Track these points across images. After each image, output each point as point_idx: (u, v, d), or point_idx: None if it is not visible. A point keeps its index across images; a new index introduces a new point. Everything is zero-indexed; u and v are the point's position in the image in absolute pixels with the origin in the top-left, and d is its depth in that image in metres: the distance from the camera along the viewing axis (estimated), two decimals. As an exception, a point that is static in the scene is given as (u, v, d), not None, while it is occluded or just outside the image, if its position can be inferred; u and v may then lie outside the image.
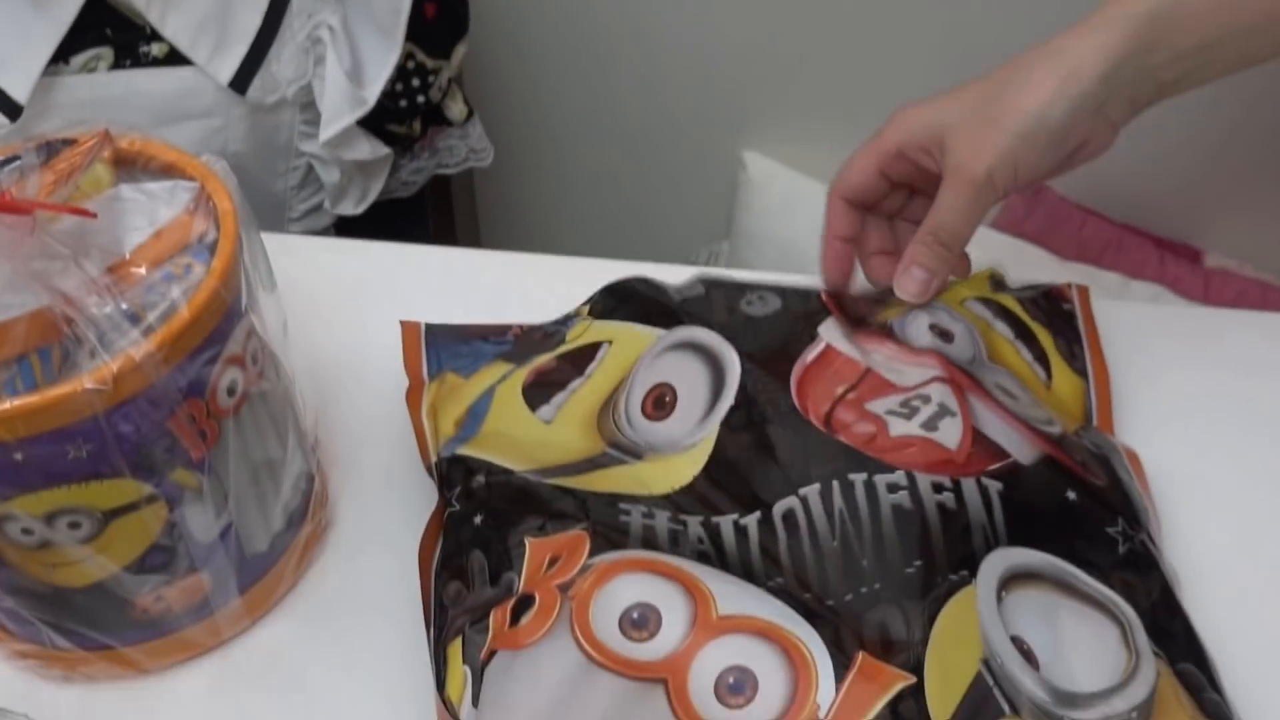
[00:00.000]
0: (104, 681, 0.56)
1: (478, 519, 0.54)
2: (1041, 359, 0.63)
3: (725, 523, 0.53)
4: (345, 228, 0.95)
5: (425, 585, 0.55)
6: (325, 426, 0.65)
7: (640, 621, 0.48)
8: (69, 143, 0.53)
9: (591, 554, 0.51)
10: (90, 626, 0.53)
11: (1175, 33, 0.58)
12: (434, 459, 0.58)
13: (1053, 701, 0.47)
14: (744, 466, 0.55)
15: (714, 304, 0.63)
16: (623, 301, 0.63)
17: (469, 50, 0.95)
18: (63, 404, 0.44)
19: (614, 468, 0.56)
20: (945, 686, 0.47)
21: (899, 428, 0.56)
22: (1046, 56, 0.58)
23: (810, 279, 0.66)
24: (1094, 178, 1.14)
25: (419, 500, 0.62)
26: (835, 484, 0.53)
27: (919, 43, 1.05)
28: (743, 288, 0.64)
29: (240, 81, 0.81)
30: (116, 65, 0.80)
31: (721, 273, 0.66)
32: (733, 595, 0.50)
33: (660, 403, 0.58)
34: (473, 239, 1.28)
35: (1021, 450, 0.56)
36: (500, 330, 0.64)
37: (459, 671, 0.49)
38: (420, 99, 0.90)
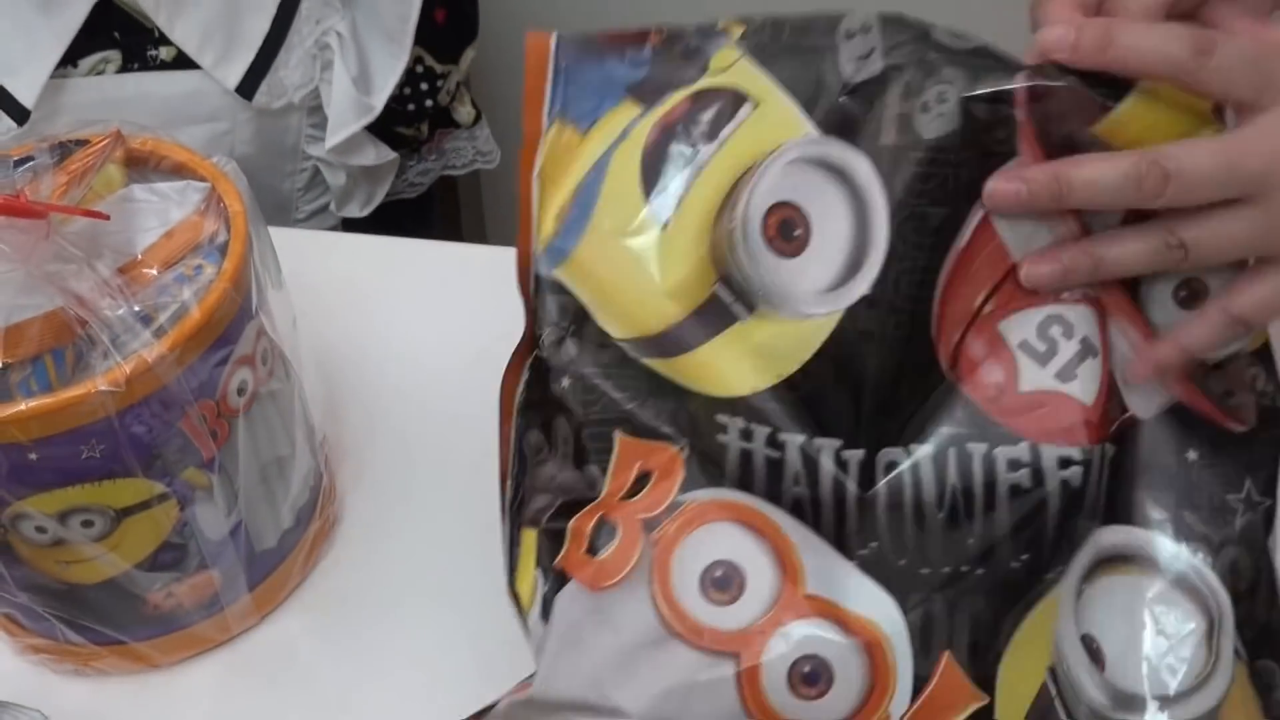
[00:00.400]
0: (115, 676, 0.57)
1: (565, 381, 0.50)
2: None
3: (826, 455, 0.49)
4: (351, 228, 0.96)
5: (505, 424, 0.52)
6: (333, 422, 0.66)
7: (723, 582, 0.47)
8: (82, 143, 0.54)
9: (684, 488, 0.48)
10: (102, 622, 0.54)
11: None
12: (531, 262, 0.51)
13: (1111, 705, 0.46)
14: (856, 379, 0.49)
15: (886, 103, 0.50)
16: (783, 49, 0.52)
17: (477, 53, 0.95)
18: (77, 405, 0.45)
19: (719, 335, 0.50)
20: (1011, 702, 0.46)
21: (1030, 377, 0.50)
22: None
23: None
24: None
25: (427, 495, 0.63)
26: (952, 452, 0.49)
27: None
28: (929, 70, 0.50)
29: (247, 87, 0.81)
30: (124, 68, 0.80)
31: (913, 25, 0.51)
32: (823, 571, 0.47)
33: (787, 231, 0.50)
34: (479, 240, 1.28)
35: (1146, 400, 0.50)
36: (639, 39, 0.53)
37: (530, 571, 0.48)
38: (428, 103, 0.90)
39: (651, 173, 0.51)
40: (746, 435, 0.49)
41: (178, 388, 0.48)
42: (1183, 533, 0.49)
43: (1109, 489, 0.49)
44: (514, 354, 0.52)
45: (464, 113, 0.96)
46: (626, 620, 0.46)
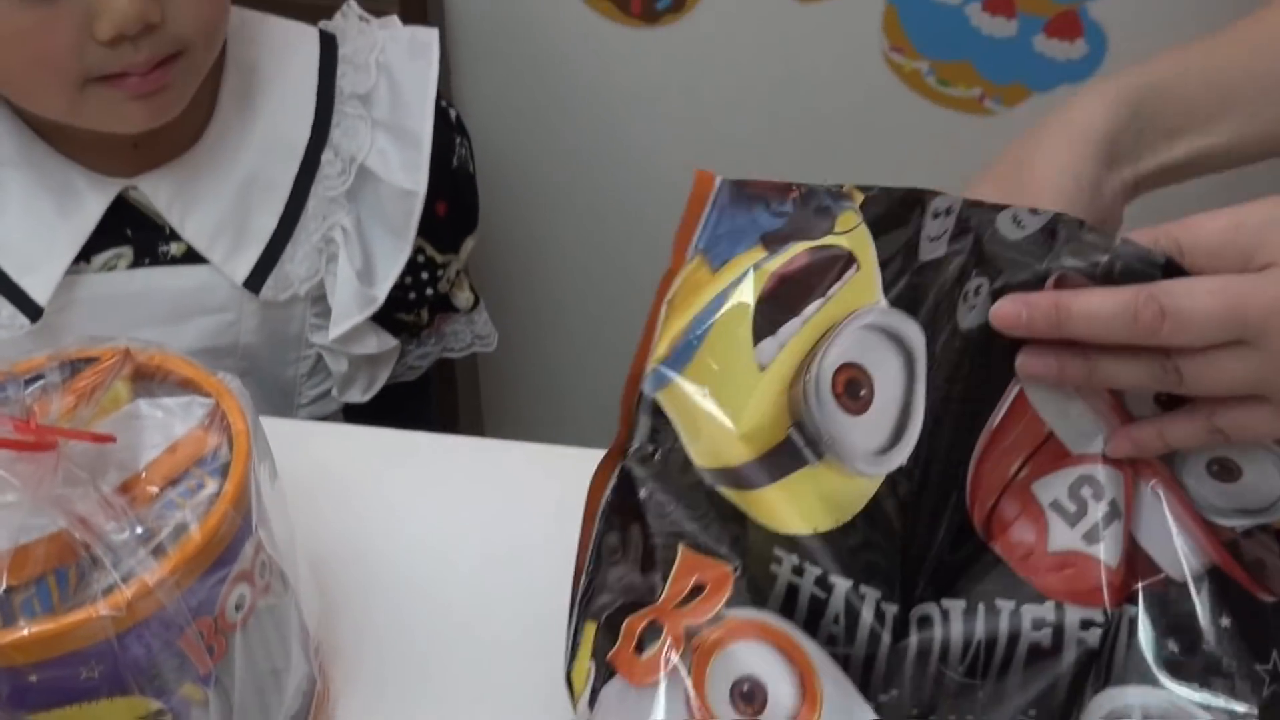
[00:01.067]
0: None
1: (644, 493, 0.54)
2: None
3: (868, 605, 0.51)
4: (352, 410, 0.98)
5: (589, 518, 0.55)
6: (327, 623, 0.66)
7: (749, 696, 0.50)
8: (90, 360, 0.56)
9: (730, 603, 0.51)
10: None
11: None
12: (640, 378, 0.56)
13: None
14: (898, 538, 0.53)
15: (939, 285, 0.54)
16: (886, 219, 0.56)
17: (477, 240, 0.99)
18: (78, 629, 0.46)
19: (790, 475, 0.54)
20: None
21: (1059, 537, 0.53)
22: (1054, 126, 0.62)
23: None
24: None
25: (420, 699, 0.63)
26: (981, 608, 0.52)
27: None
28: (979, 259, 0.53)
29: (254, 281, 0.84)
30: (136, 263, 0.83)
31: (988, 208, 0.54)
32: (842, 707, 0.50)
33: (854, 390, 0.54)
34: (475, 418, 1.30)
35: (1185, 563, 0.52)
36: (783, 191, 0.57)
37: (585, 661, 0.52)
38: (429, 291, 0.93)
39: (763, 318, 0.55)
40: (798, 571, 0.52)
41: (177, 608, 0.49)
42: (1207, 699, 0.50)
43: (1128, 650, 0.51)
44: (605, 458, 0.56)
45: (463, 298, 0.98)
46: (661, 716, 0.49)
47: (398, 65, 0.87)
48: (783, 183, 0.58)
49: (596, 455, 0.69)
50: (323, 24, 0.90)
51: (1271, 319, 0.48)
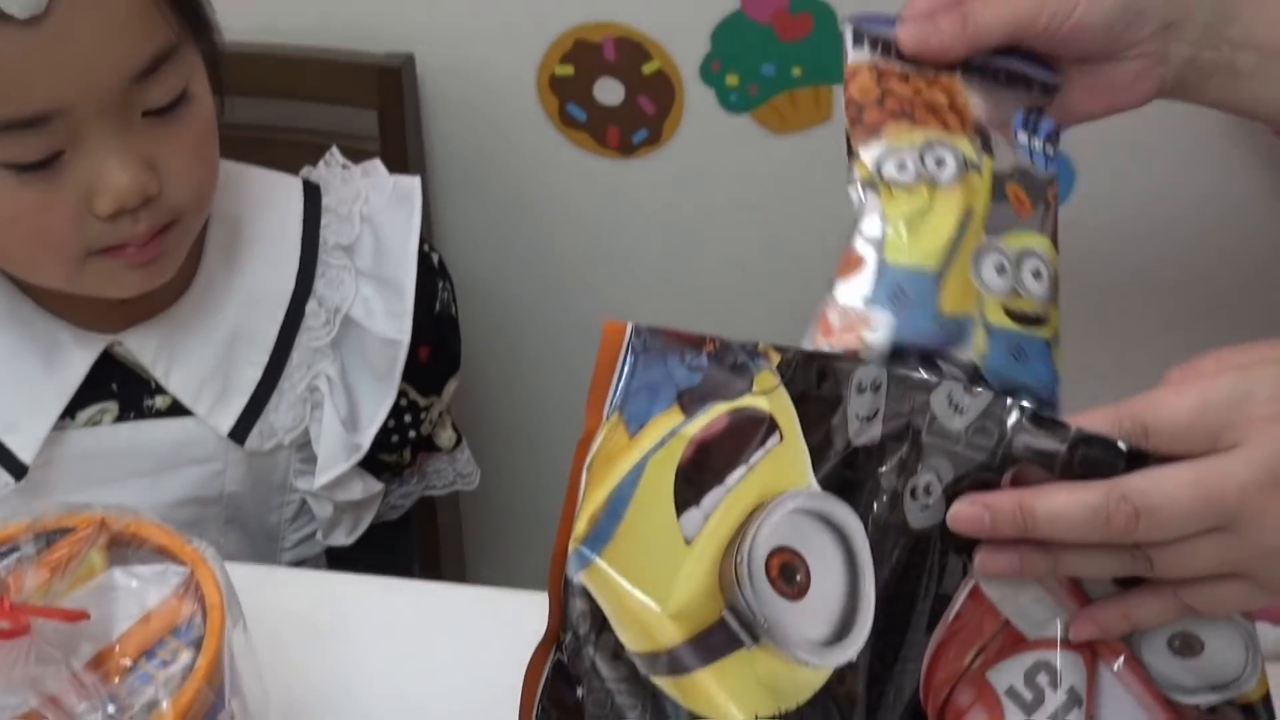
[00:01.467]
0: None
1: (580, 690, 0.53)
2: None
3: None
4: (334, 549, 0.98)
5: (525, 709, 0.55)
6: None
7: None
8: (65, 530, 0.57)
9: None
10: None
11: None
12: (564, 560, 0.55)
13: None
14: None
15: (881, 475, 0.53)
16: (808, 389, 0.55)
17: (459, 381, 1.00)
18: (46, 814, 0.46)
19: (725, 659, 0.52)
20: None
21: None
22: None
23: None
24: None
25: None
26: None
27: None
28: (921, 453, 0.52)
29: (239, 432, 0.85)
30: (120, 417, 0.84)
31: (917, 385, 0.53)
32: None
33: (788, 575, 0.53)
34: (458, 556, 1.30)
35: None
36: (697, 343, 0.56)
37: None
38: (412, 434, 0.94)
39: (685, 488, 0.54)
40: None
41: (147, 787, 0.49)
42: None
43: None
44: (539, 646, 0.55)
45: (445, 437, 0.99)
46: None
47: (381, 215, 0.89)
48: (696, 335, 0.57)
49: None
50: (306, 172, 0.92)
51: (1246, 503, 0.47)
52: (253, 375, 0.85)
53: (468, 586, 0.79)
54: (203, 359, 0.84)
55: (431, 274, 0.92)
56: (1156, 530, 0.47)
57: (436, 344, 0.93)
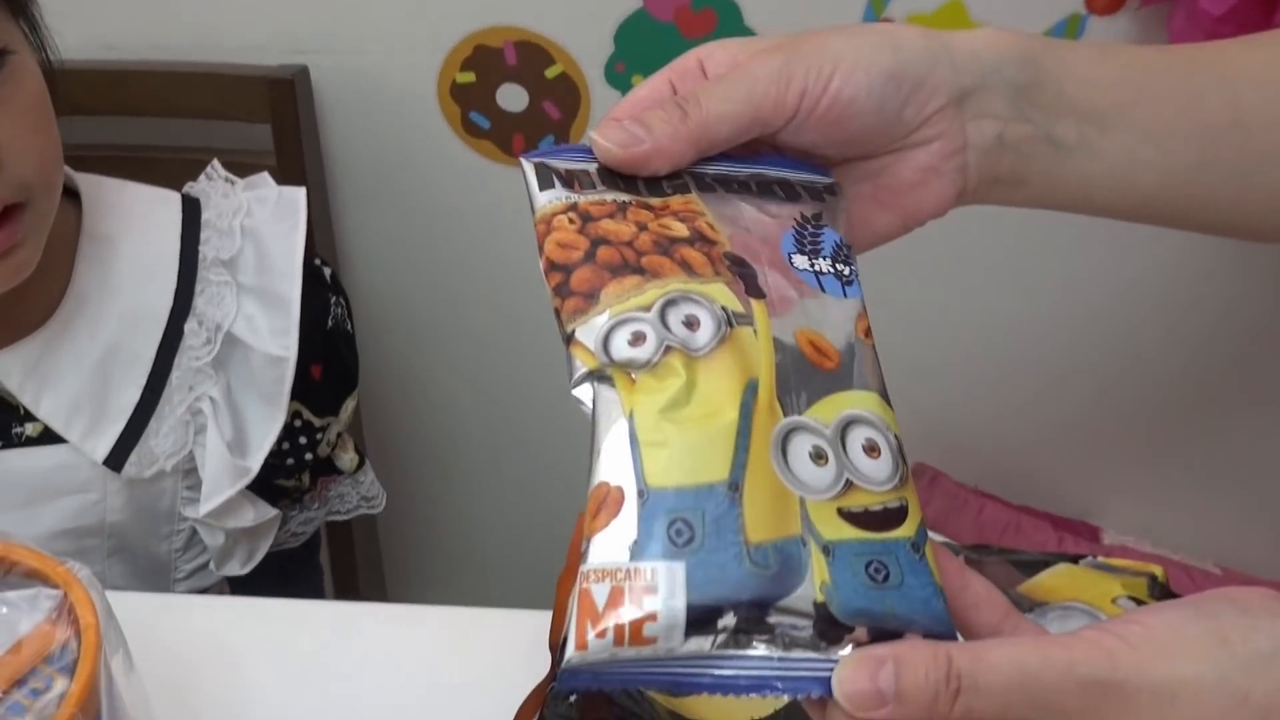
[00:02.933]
0: None
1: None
2: None
3: None
4: (235, 579, 0.94)
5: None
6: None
7: None
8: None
9: None
10: None
11: (1068, 77, 0.50)
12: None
13: None
14: None
15: None
16: None
17: (359, 398, 0.96)
18: None
19: None
20: None
21: None
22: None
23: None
24: (988, 462, 1.16)
25: None
26: None
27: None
28: None
29: (116, 459, 0.80)
30: (-11, 447, 0.79)
31: None
32: None
33: None
34: (377, 579, 1.26)
35: None
36: None
37: None
38: (308, 456, 0.90)
39: None
40: None
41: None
42: None
43: None
44: (534, 690, 0.54)
45: (346, 459, 0.95)
46: None
47: (264, 227, 0.85)
48: None
49: (492, 616, 0.66)
50: (187, 187, 0.88)
51: None
52: (130, 398, 0.81)
53: (379, 605, 0.76)
54: (74, 383, 0.79)
55: (322, 288, 0.89)
56: None
57: (329, 360, 0.89)
